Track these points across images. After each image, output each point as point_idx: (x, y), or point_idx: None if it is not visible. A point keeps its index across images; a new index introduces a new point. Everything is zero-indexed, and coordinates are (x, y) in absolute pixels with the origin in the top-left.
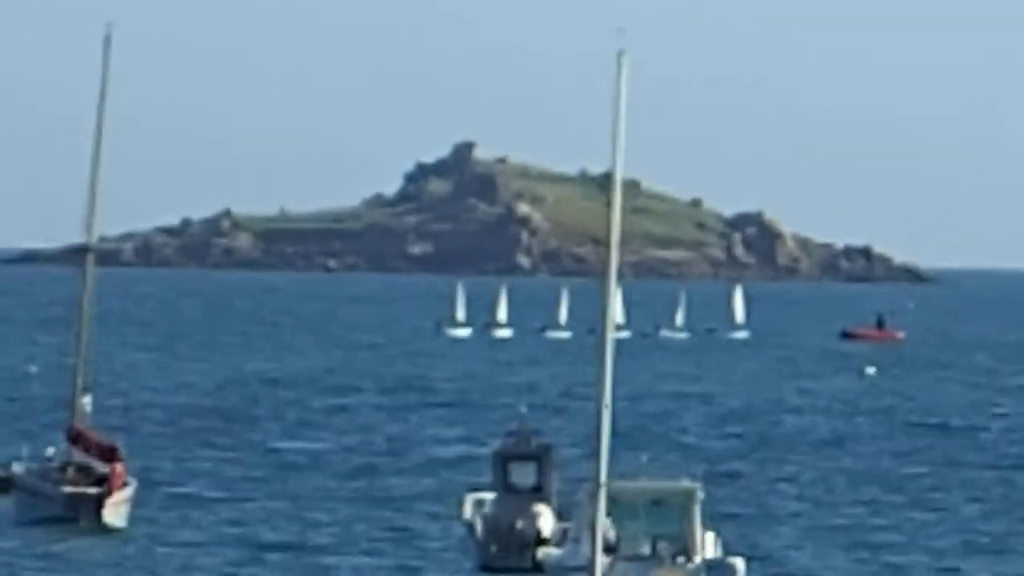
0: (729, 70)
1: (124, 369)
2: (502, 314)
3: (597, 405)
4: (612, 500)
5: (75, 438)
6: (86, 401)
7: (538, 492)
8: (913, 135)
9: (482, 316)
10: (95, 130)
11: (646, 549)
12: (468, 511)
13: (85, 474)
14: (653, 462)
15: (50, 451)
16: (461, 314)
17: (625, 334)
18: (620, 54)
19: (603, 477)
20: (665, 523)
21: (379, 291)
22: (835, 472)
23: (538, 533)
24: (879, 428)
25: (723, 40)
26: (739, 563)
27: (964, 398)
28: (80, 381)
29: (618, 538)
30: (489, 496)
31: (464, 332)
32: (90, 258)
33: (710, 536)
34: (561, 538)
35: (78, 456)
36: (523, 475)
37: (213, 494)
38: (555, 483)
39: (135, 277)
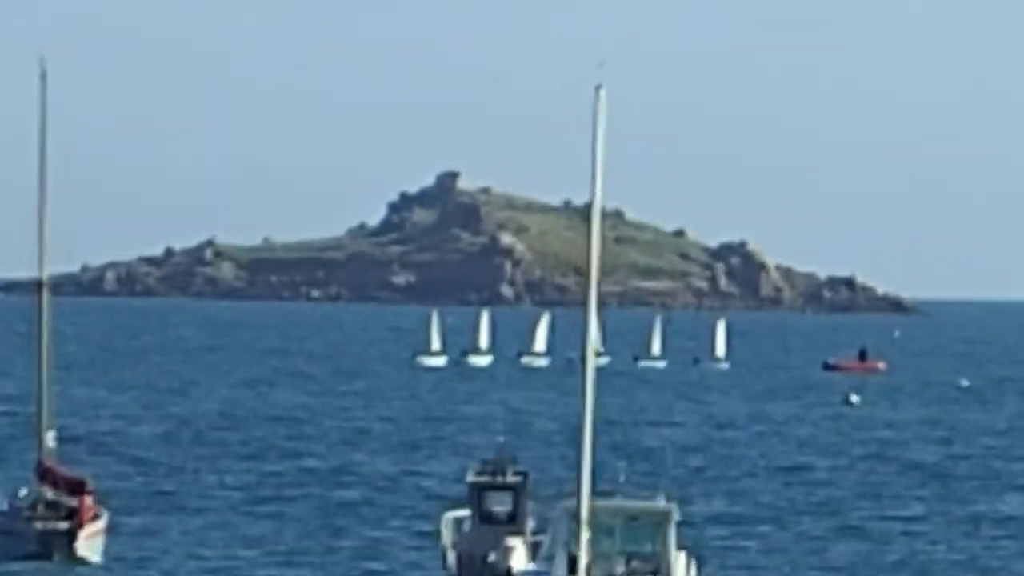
0: (713, 101)
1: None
2: (482, 342)
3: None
4: (588, 519)
5: (43, 475)
6: (50, 436)
7: (513, 522)
8: (897, 167)
9: (460, 345)
10: (38, 163)
11: (620, 568)
12: (445, 531)
13: (56, 510)
14: (629, 482)
15: (23, 492)
16: (436, 343)
17: (604, 360)
18: (598, 88)
19: (584, 512)
20: (640, 542)
21: (357, 321)
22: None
23: (509, 570)
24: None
25: (706, 71)
26: None
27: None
28: (44, 417)
29: (592, 556)
30: (465, 513)
31: (438, 361)
32: (45, 292)
33: (683, 556)
34: (534, 554)
35: (48, 492)
36: (499, 505)
37: (191, 523)
38: (530, 512)
39: (86, 308)
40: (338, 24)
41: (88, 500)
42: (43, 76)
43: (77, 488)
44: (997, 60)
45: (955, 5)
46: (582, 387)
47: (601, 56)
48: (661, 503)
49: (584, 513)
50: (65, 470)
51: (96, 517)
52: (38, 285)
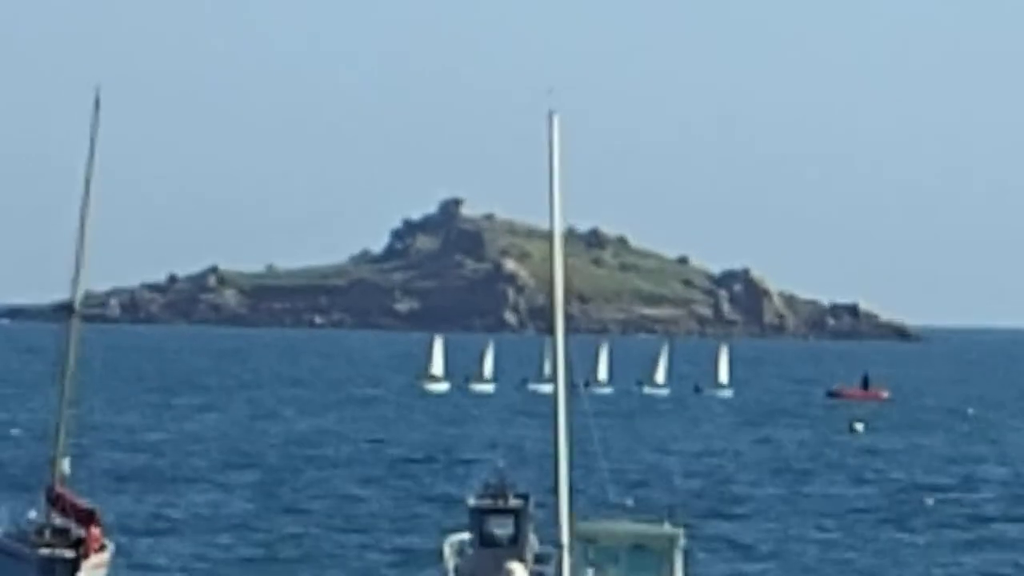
0: (716, 130)
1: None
2: (487, 369)
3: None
4: (593, 543)
5: (54, 500)
6: (66, 463)
7: (514, 546)
8: (900, 194)
9: (463, 371)
10: (83, 190)
11: None
12: (448, 553)
13: (62, 537)
14: (635, 508)
15: (32, 514)
16: (438, 369)
17: (607, 390)
18: (551, 114)
19: (564, 537)
20: (646, 568)
21: (359, 346)
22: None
23: None
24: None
25: (709, 100)
26: None
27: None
28: (61, 441)
29: None
30: (467, 536)
31: (441, 387)
32: (75, 317)
33: None
34: None
35: (56, 518)
36: (500, 529)
37: (191, 551)
38: (531, 536)
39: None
40: (341, 51)
41: (96, 531)
42: (96, 104)
43: (87, 518)
44: (998, 87)
45: (955, 30)
46: (554, 414)
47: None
48: (667, 528)
49: (565, 538)
50: (76, 497)
51: (102, 548)
52: (69, 310)
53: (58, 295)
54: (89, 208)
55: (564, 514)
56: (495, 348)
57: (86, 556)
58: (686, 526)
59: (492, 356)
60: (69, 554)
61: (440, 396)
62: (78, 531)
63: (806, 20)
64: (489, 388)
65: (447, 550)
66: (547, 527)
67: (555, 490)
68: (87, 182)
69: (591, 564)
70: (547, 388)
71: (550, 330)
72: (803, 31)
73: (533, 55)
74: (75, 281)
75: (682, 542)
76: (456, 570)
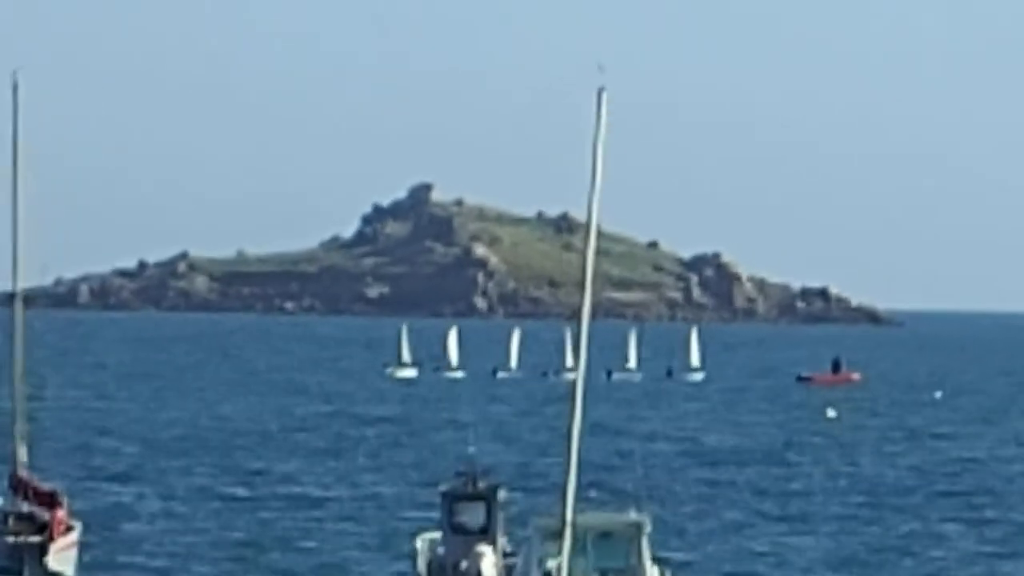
0: (686, 113)
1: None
2: (452, 355)
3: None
4: (560, 533)
5: (16, 486)
6: (22, 448)
7: (485, 533)
8: (870, 177)
9: (433, 357)
10: (11, 177)
11: None
12: (418, 551)
13: (28, 523)
14: (600, 496)
15: None
16: (406, 355)
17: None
18: (600, 91)
19: (569, 515)
20: (613, 556)
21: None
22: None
23: (479, 574)
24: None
25: (679, 83)
26: None
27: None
28: (17, 428)
29: (569, 572)
30: (439, 534)
31: (409, 372)
32: (18, 305)
33: (657, 570)
34: (506, 574)
35: (21, 505)
36: (470, 516)
37: (162, 534)
38: (501, 523)
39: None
40: (311, 38)
41: (60, 513)
42: (15, 88)
43: (50, 500)
44: (972, 72)
45: (936, 20)
46: (571, 405)
47: (585, 64)
48: (633, 515)
49: (550, 525)
50: (37, 482)
51: (69, 530)
52: (10, 297)
53: (30, 282)
54: (19, 196)
55: (570, 499)
56: (459, 335)
57: (52, 539)
58: (651, 512)
59: (456, 343)
60: (35, 539)
61: (408, 382)
62: (43, 515)
63: (774, 9)
64: (458, 374)
65: (419, 546)
66: (521, 516)
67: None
68: (14, 166)
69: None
70: (514, 375)
71: (521, 315)
72: (773, 20)
73: (505, 39)
74: (14, 269)
75: (648, 529)
76: (428, 563)
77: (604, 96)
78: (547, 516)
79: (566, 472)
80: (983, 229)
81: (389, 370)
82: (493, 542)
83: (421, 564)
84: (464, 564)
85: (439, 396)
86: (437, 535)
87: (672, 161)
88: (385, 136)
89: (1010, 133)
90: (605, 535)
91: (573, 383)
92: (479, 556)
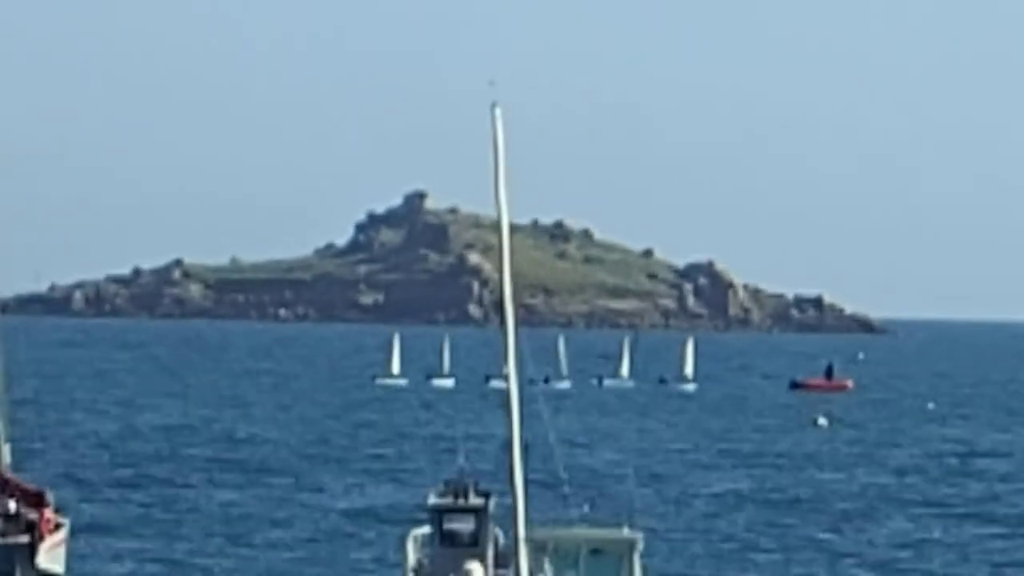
0: (681, 122)
1: None
2: (445, 364)
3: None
4: (551, 549)
5: (2, 486)
6: (5, 449)
7: (475, 545)
8: (864, 187)
9: (423, 366)
10: None
11: None
12: (411, 546)
13: (15, 523)
14: (593, 511)
15: None
16: (396, 364)
17: (565, 384)
18: (493, 106)
19: (520, 530)
20: (604, 573)
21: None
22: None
23: None
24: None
25: (674, 93)
26: None
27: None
28: (0, 429)
29: None
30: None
31: (399, 382)
32: None
33: None
34: None
35: (8, 505)
36: (460, 528)
37: (147, 537)
38: (492, 535)
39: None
40: (305, 43)
41: (48, 512)
42: None
43: (37, 500)
44: (966, 86)
45: (922, 27)
46: (508, 412)
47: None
48: (625, 532)
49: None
50: (25, 482)
51: (57, 528)
52: None
53: (24, 288)
54: None
55: (520, 511)
56: (451, 343)
57: (41, 538)
58: (644, 529)
59: (449, 351)
60: (24, 539)
61: (397, 391)
62: (30, 515)
63: (769, 15)
64: (449, 383)
65: (410, 544)
66: (509, 527)
67: (511, 487)
68: None
69: (550, 569)
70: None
71: (516, 323)
72: (768, 30)
73: (501, 49)
74: None
75: (640, 546)
76: (416, 568)
77: (498, 111)
78: (537, 529)
79: (512, 489)
80: (977, 239)
81: (378, 380)
82: (483, 554)
83: (412, 560)
84: None
85: (428, 405)
86: (428, 529)
87: (666, 170)
88: (380, 144)
89: (1004, 145)
90: (596, 551)
91: (507, 392)
92: (468, 572)
